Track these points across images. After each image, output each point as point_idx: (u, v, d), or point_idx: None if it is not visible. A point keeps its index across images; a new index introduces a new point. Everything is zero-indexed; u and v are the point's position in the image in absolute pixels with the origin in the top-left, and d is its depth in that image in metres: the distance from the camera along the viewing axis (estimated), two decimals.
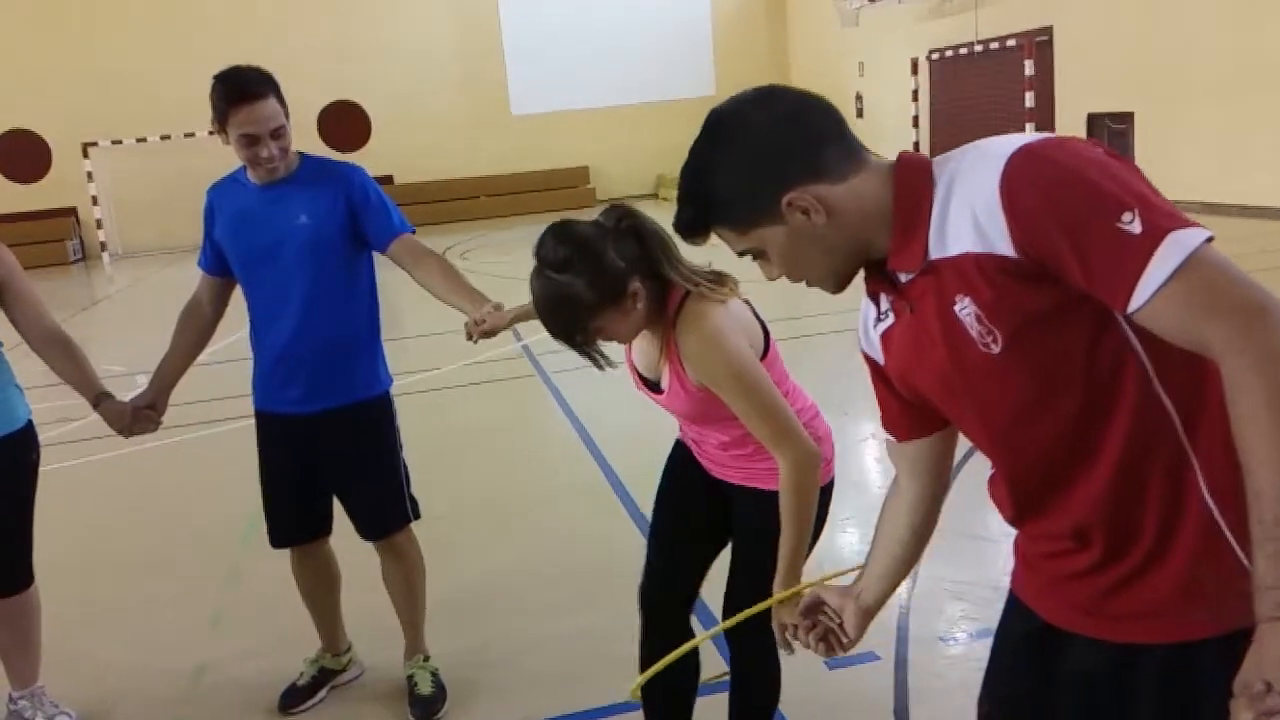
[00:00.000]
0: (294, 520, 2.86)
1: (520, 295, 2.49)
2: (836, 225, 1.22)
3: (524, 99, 19.29)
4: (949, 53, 15.04)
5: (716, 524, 2.22)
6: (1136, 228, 1.03)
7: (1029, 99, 12.96)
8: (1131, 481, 1.16)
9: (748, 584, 2.12)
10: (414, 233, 2.72)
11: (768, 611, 1.99)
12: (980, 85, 14.40)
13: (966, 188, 1.15)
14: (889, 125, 16.53)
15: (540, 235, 1.88)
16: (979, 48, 14.25)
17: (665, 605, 2.25)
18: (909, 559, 1.53)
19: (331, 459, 2.77)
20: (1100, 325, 1.12)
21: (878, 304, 1.32)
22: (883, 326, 1.32)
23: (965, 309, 1.16)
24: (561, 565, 3.82)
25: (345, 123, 17.45)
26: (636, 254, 1.87)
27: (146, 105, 17.17)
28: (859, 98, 17.84)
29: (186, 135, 16.93)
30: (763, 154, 1.22)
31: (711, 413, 1.99)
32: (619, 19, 19.02)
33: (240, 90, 2.49)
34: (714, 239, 1.33)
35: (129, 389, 2.83)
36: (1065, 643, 1.29)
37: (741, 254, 1.30)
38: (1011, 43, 13.44)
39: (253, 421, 2.85)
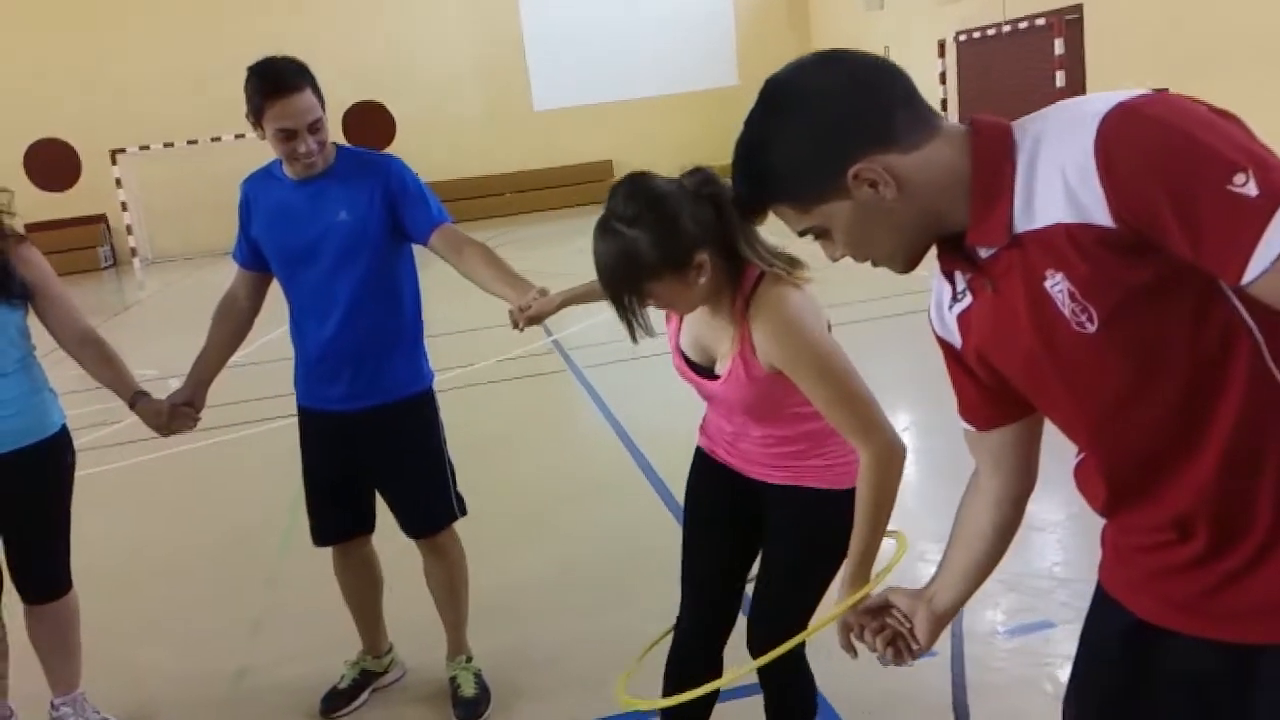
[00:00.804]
0: (336, 518, 2.81)
1: (550, 289, 2.42)
2: (907, 198, 1.13)
3: (546, 95, 19.20)
4: (976, 34, 14.80)
5: (750, 543, 2.10)
6: (1251, 190, 0.93)
7: (1060, 79, 12.72)
8: (1242, 468, 1.07)
9: (785, 590, 2.03)
10: (453, 223, 2.65)
11: (801, 618, 1.92)
12: (1009, 66, 14.14)
13: (1056, 152, 1.05)
14: None
15: (614, 184, 1.77)
16: (1007, 28, 14.00)
17: (697, 667, 2.08)
18: (990, 560, 1.41)
19: (377, 456, 2.72)
20: (1206, 298, 1.03)
21: (953, 283, 1.23)
22: (959, 307, 1.23)
23: (1057, 285, 1.07)
24: (600, 563, 3.76)
25: (370, 123, 17.47)
26: (712, 224, 1.74)
27: (173, 111, 17.27)
28: None
29: (213, 139, 17.01)
30: (826, 123, 1.13)
31: (767, 404, 1.89)
32: (639, 11, 18.88)
33: (276, 83, 2.42)
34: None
35: (163, 392, 2.79)
36: (1164, 641, 1.20)
37: (802, 233, 1.22)
38: (1041, 22, 13.19)
39: (287, 422, 2.81)
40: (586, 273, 1.96)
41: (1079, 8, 12.93)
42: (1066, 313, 1.08)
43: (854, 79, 1.14)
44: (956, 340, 1.27)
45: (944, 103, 15.63)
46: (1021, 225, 1.09)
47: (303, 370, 2.73)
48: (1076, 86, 12.86)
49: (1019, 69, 13.88)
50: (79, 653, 2.85)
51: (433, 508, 2.78)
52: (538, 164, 19.08)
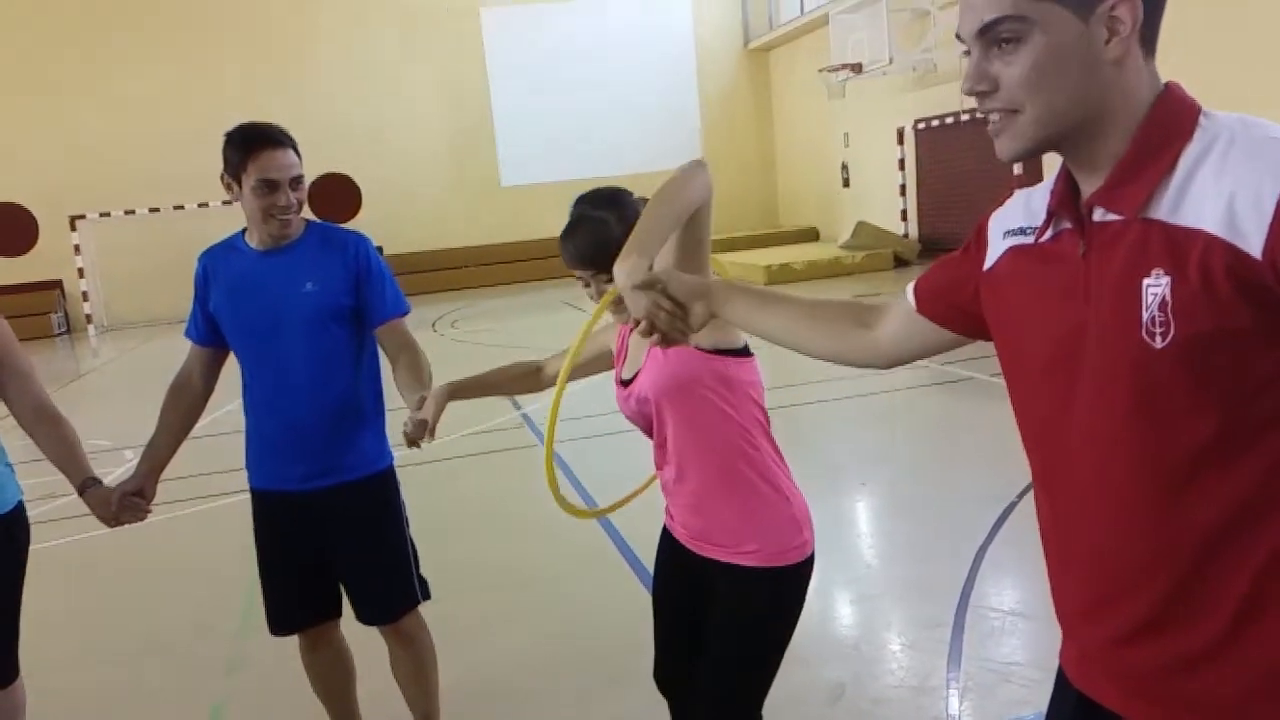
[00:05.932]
0: (297, 603, 2.65)
1: (505, 360, 2.41)
2: (1116, 73, 1.02)
3: (513, 171, 19.44)
4: (935, 122, 15.25)
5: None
6: None
7: (1017, 166, 13.11)
8: (1227, 542, 0.99)
9: (721, 678, 1.97)
10: (408, 313, 2.61)
11: (743, 705, 1.96)
12: (967, 153, 14.56)
13: (1234, 168, 0.96)
14: (875, 194, 16.69)
15: (581, 194, 2.03)
16: (965, 116, 14.45)
17: (681, 686, 2.16)
18: (782, 334, 1.44)
19: (339, 537, 2.58)
20: None
21: (1049, 221, 1.11)
22: (1020, 240, 1.15)
23: (1157, 286, 0.97)
24: (582, 644, 3.61)
25: (337, 195, 17.45)
26: None
27: (136, 178, 17.18)
28: (845, 167, 18.04)
29: (176, 207, 16.89)
30: None
31: (686, 378, 1.90)
32: (608, 93, 19.29)
33: (262, 136, 2.40)
34: None
35: (117, 464, 2.66)
36: None
37: (989, 24, 1.03)
38: None
39: (242, 496, 2.67)
40: (532, 343, 1.96)
41: None
42: (1145, 317, 0.98)
43: None
44: (987, 259, 1.20)
45: (903, 188, 16.04)
46: (1164, 213, 0.99)
47: (258, 449, 2.59)
48: (1034, 174, 13.24)
49: (976, 155, 14.29)
50: None
51: (391, 593, 2.63)
52: (503, 238, 19.21)
